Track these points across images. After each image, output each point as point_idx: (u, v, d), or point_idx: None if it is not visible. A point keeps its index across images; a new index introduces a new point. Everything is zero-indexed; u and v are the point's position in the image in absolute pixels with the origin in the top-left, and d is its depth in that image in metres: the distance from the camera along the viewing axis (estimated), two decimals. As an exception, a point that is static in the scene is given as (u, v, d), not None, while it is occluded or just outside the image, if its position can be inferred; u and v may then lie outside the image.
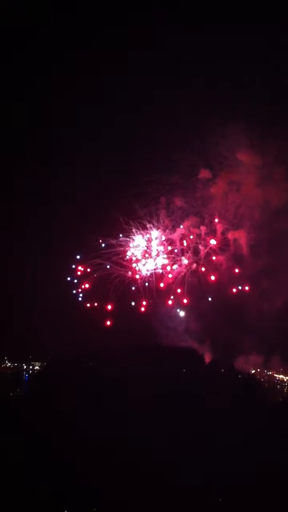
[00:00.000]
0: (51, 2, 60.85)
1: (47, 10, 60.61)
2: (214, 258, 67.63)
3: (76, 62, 63.82)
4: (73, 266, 68.01)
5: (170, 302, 67.95)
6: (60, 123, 64.72)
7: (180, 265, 68.41)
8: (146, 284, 67.85)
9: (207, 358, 64.28)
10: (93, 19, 62.48)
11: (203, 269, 67.61)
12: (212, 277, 67.15)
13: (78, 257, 68.38)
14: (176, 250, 68.70)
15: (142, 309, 67.57)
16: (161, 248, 68.90)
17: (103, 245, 67.70)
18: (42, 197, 68.22)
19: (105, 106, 65.22)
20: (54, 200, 68.17)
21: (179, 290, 67.90)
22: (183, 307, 68.20)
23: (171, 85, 63.22)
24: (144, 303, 67.63)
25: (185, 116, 63.10)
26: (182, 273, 67.97)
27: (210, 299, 67.47)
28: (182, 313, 68.84)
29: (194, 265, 68.09)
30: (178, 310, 68.67)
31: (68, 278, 68.09)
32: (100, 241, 67.63)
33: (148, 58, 62.48)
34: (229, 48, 61.13)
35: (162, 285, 68.10)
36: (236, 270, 67.20)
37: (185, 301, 67.82)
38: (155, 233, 68.56)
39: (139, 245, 68.67)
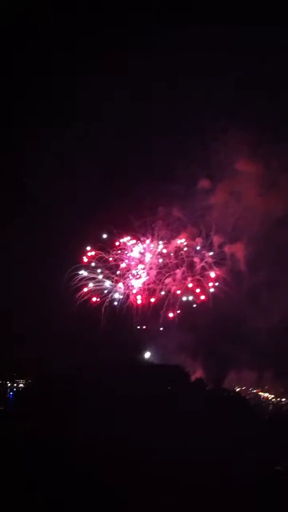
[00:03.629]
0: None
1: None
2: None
3: (73, 64, 63.91)
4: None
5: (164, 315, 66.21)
6: (54, 127, 64.42)
7: (174, 280, 66.71)
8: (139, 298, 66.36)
9: (198, 374, 63.96)
10: (92, 21, 62.83)
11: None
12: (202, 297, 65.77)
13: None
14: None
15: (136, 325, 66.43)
16: (155, 261, 67.31)
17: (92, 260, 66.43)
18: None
19: (102, 112, 64.83)
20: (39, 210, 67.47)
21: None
22: (172, 322, 66.59)
23: (170, 90, 63.21)
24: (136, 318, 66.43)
25: (184, 121, 62.32)
26: (176, 288, 66.28)
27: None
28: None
29: (189, 279, 66.52)
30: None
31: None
32: (91, 254, 66.32)
33: (148, 63, 62.47)
34: (229, 52, 61.16)
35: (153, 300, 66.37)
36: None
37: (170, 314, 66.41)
38: (149, 246, 67.18)
39: (132, 259, 67.47)
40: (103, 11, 62.22)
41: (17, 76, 64.84)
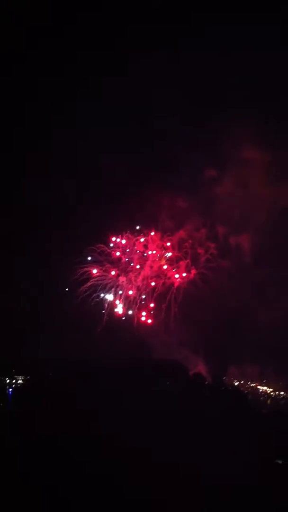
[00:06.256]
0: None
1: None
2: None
3: (77, 58, 63.43)
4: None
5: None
6: (56, 122, 63.82)
7: (177, 272, 65.74)
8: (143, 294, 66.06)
9: (198, 369, 63.81)
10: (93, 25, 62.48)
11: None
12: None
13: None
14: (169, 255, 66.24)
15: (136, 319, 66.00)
16: (158, 254, 66.58)
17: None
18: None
19: (104, 101, 64.23)
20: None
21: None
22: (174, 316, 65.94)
23: (174, 77, 62.41)
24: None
25: (189, 109, 61.21)
26: (179, 281, 65.54)
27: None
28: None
29: (192, 272, 65.52)
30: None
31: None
32: (93, 248, 65.71)
33: (151, 52, 61.33)
34: (236, 37, 60.54)
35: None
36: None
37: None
38: (152, 239, 66.36)
39: (135, 252, 66.74)
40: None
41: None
